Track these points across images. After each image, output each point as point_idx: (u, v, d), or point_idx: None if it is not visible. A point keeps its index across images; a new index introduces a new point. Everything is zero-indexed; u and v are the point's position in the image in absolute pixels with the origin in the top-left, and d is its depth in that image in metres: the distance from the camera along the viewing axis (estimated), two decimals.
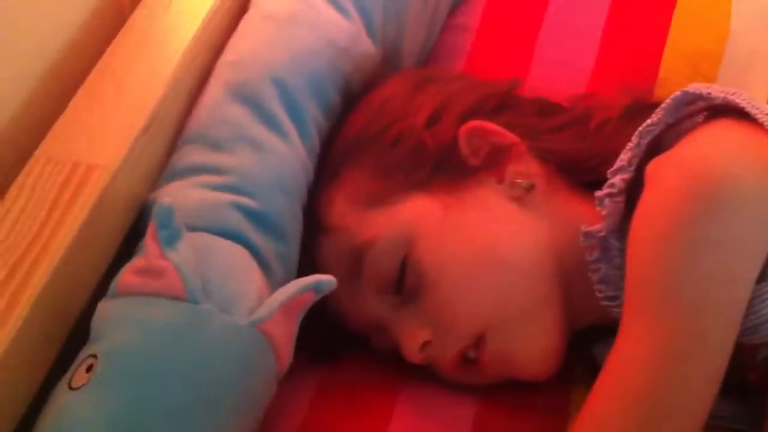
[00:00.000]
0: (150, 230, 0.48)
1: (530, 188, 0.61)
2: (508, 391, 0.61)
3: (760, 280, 0.53)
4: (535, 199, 0.61)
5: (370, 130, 0.63)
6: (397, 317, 0.60)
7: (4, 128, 0.57)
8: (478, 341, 0.59)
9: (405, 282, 0.59)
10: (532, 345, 0.59)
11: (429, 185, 0.60)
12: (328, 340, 0.63)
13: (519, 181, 0.61)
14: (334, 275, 0.58)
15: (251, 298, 0.49)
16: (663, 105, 0.58)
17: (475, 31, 0.79)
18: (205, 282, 0.48)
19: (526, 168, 0.62)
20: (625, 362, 0.51)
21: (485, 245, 0.59)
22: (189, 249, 0.48)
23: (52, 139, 0.55)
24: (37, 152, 0.54)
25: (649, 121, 0.58)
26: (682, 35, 0.77)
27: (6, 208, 0.51)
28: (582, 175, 0.62)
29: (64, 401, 0.46)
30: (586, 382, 0.56)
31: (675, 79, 0.74)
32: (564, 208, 0.62)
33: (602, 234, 0.57)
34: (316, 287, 0.51)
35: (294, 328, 0.51)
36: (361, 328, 0.62)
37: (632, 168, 0.57)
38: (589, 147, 0.63)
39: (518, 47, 0.77)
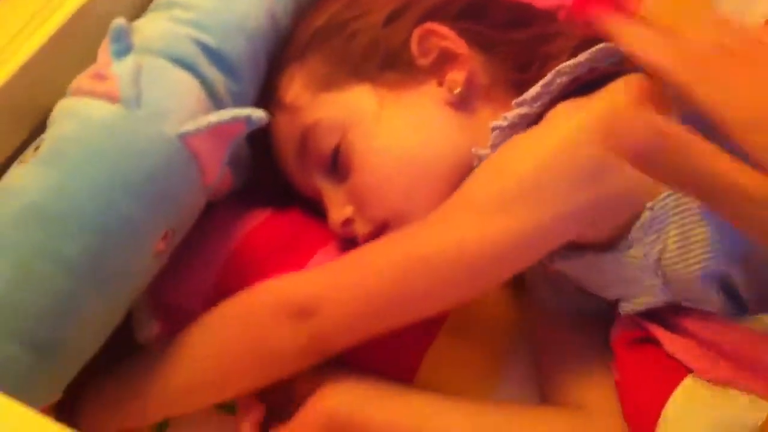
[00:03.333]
0: (104, 43, 0.58)
1: (466, 96, 0.66)
2: None
3: (606, 249, 0.60)
4: (470, 108, 0.66)
5: (337, 21, 0.69)
6: (331, 193, 0.69)
7: None
8: (384, 228, 0.66)
9: (338, 163, 0.67)
10: None
11: (375, 79, 0.67)
12: (280, 187, 0.72)
13: (457, 88, 0.66)
14: (286, 149, 0.70)
15: (184, 115, 0.59)
16: (593, 48, 0.61)
17: None
18: (145, 94, 0.58)
19: (469, 77, 0.66)
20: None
21: (406, 144, 0.66)
22: (135, 64, 0.58)
23: None
24: None
25: (571, 61, 0.61)
26: None
27: None
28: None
29: (11, 173, 0.57)
30: None
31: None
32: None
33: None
34: (247, 118, 0.60)
35: (223, 152, 0.61)
36: (308, 195, 0.71)
37: (536, 104, 0.62)
38: (536, 71, 0.66)
39: None
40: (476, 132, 0.66)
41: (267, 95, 0.70)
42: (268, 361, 0.61)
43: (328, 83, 0.68)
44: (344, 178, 0.68)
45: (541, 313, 0.69)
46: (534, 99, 0.62)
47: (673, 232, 0.57)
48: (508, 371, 0.68)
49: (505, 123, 0.62)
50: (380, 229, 0.67)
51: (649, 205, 0.57)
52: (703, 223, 0.56)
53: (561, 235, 0.59)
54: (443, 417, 0.62)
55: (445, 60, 0.67)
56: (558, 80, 0.62)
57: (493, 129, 0.62)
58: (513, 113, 0.62)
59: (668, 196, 0.57)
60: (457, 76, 0.66)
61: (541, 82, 0.62)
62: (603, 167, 0.57)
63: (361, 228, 0.67)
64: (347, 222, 0.68)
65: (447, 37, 0.67)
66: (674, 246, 0.57)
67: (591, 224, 0.59)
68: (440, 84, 0.67)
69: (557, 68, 0.62)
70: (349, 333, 0.60)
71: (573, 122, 0.59)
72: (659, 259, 0.58)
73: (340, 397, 0.62)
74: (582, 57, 0.61)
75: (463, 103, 0.66)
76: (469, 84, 0.66)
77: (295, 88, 0.69)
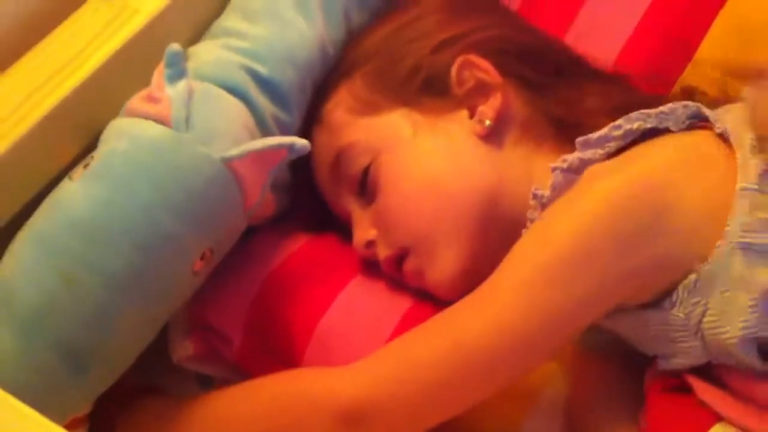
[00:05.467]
0: (159, 67, 0.62)
1: (497, 130, 0.68)
2: None
3: (650, 306, 0.60)
4: (500, 142, 0.68)
5: (387, 45, 0.72)
6: (358, 214, 0.71)
7: None
8: (405, 253, 0.68)
9: (366, 185, 0.69)
10: (443, 269, 0.67)
11: (413, 104, 0.69)
12: (319, 213, 0.75)
13: (486, 120, 0.68)
14: (321, 167, 0.72)
15: (231, 140, 0.62)
16: (669, 106, 0.62)
17: None
18: (194, 117, 0.61)
19: (502, 111, 0.68)
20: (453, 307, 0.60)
21: (433, 173, 0.68)
22: (186, 89, 0.61)
23: None
24: None
25: (648, 111, 0.62)
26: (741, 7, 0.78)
27: (57, 32, 0.66)
28: (570, 135, 0.66)
29: (61, 187, 0.61)
30: None
31: (715, 55, 0.76)
32: (531, 158, 0.68)
33: (544, 201, 0.64)
34: (290, 147, 0.62)
35: (265, 177, 0.64)
36: (340, 216, 0.74)
37: (602, 152, 0.62)
38: (577, 120, 0.67)
39: None
40: (506, 166, 0.68)
41: (312, 111, 0.72)
42: None
43: (369, 107, 0.70)
44: (371, 200, 0.70)
45: (576, 348, 0.69)
46: (598, 143, 0.63)
47: (715, 297, 0.58)
48: (535, 406, 0.68)
49: (565, 165, 0.63)
50: (400, 255, 0.68)
51: (697, 267, 0.58)
52: (748, 290, 0.56)
53: (605, 305, 0.59)
54: None
55: (480, 92, 0.69)
56: (629, 127, 0.62)
57: (553, 170, 0.63)
58: (573, 156, 0.63)
59: (717, 261, 0.57)
60: (488, 109, 0.68)
61: (609, 126, 0.62)
62: (648, 232, 0.58)
63: (382, 251, 0.69)
64: (370, 244, 0.70)
65: (485, 69, 0.69)
66: (716, 311, 0.58)
67: (637, 290, 0.60)
68: (471, 115, 0.69)
69: (630, 115, 0.62)
70: (404, 429, 0.60)
71: (613, 187, 0.59)
72: (700, 322, 0.58)
73: None
74: (661, 109, 0.62)
75: (492, 136, 0.68)
76: (502, 118, 0.68)
77: (337, 109, 0.71)
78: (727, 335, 0.57)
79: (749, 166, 0.58)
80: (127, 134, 0.60)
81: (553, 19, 0.81)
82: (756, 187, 0.58)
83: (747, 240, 0.57)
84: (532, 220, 0.64)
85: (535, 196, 0.64)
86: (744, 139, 0.60)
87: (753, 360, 0.57)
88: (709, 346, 0.59)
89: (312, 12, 0.70)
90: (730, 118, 0.62)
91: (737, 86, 0.73)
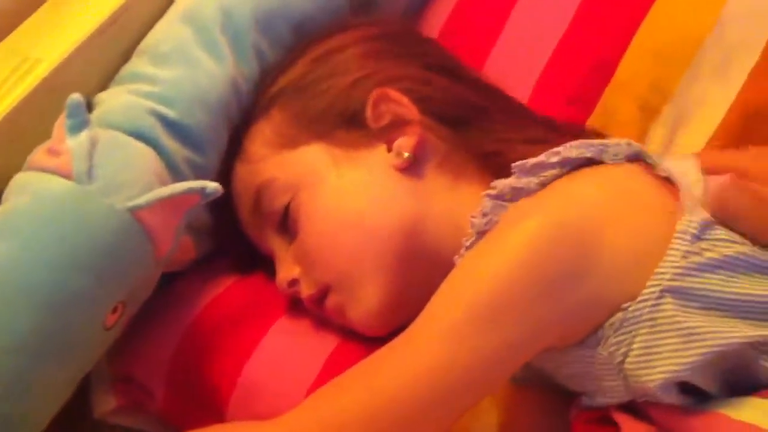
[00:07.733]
0: (60, 118, 0.61)
1: (417, 163, 0.68)
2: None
3: (575, 343, 0.59)
4: (421, 174, 0.68)
5: (305, 80, 0.72)
6: (281, 252, 0.71)
7: None
8: (327, 291, 0.68)
9: (287, 223, 0.69)
10: (363, 306, 0.67)
11: (332, 139, 0.69)
12: (246, 253, 0.74)
13: (405, 153, 0.68)
14: (242, 203, 0.71)
15: (138, 189, 0.61)
16: (614, 141, 0.62)
17: None
18: (97, 168, 0.60)
19: (420, 143, 0.68)
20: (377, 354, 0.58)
21: (352, 208, 0.68)
22: (89, 139, 0.60)
23: (17, 35, 0.68)
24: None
25: (590, 141, 0.61)
26: (656, 28, 0.79)
27: None
28: (493, 165, 0.67)
29: None
30: None
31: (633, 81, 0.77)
32: (453, 190, 0.68)
33: (483, 230, 0.62)
34: (201, 191, 0.62)
35: (176, 223, 0.63)
36: (264, 252, 0.73)
37: (537, 182, 0.61)
38: (497, 149, 0.68)
39: (494, 12, 0.83)
40: (427, 200, 0.67)
41: (232, 147, 0.72)
42: None
43: (287, 141, 0.70)
44: (293, 238, 0.69)
45: (507, 380, 0.68)
46: (534, 169, 0.61)
47: (640, 338, 0.57)
48: None
49: (494, 192, 0.63)
50: (323, 292, 0.68)
51: (624, 305, 0.57)
52: (680, 334, 0.56)
53: (531, 351, 0.58)
54: None
55: (397, 126, 0.69)
56: (565, 154, 0.61)
57: (485, 196, 0.63)
58: (505, 183, 0.62)
59: (645, 300, 0.57)
60: (405, 142, 0.68)
61: (546, 153, 0.61)
62: (573, 275, 0.57)
63: (305, 289, 0.69)
64: (293, 282, 0.69)
65: (401, 103, 0.69)
66: (639, 352, 0.57)
67: (565, 333, 0.59)
68: (389, 149, 0.69)
69: (570, 143, 0.61)
70: None
71: (534, 230, 0.58)
72: (622, 362, 0.58)
73: None
74: (604, 141, 0.62)
75: (412, 169, 0.68)
76: (421, 151, 0.68)
77: (255, 143, 0.71)
78: (649, 377, 0.57)
79: (695, 212, 0.58)
80: (29, 189, 0.59)
81: (477, 40, 0.82)
82: (695, 231, 0.57)
83: (679, 284, 0.56)
84: (468, 247, 0.63)
85: (472, 224, 0.63)
86: (692, 188, 0.59)
87: (673, 399, 0.57)
88: (631, 387, 0.58)
89: (221, 51, 0.70)
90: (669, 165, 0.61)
91: (655, 109, 0.76)
